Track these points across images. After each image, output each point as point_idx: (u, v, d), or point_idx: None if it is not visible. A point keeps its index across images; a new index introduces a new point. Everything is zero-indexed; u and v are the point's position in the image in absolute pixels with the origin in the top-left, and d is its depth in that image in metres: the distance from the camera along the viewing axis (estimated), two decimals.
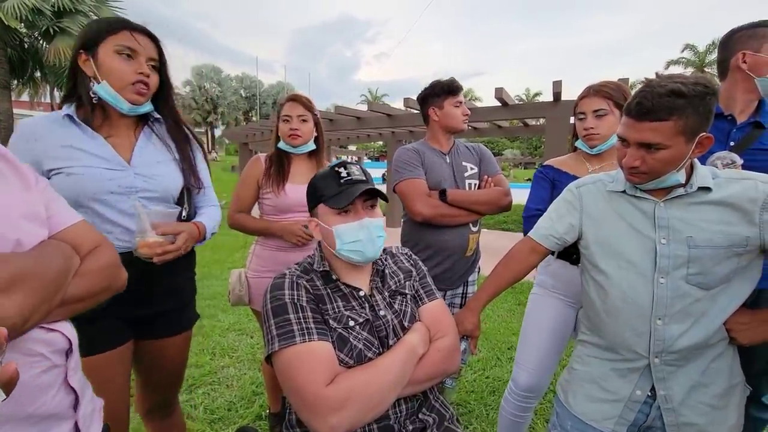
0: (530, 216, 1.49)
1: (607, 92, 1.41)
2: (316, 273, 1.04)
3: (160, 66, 1.18)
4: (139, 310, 1.17)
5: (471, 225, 1.76)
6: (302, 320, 0.92)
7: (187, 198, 1.27)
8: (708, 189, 0.94)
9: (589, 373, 1.10)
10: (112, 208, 1.09)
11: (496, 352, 2.88)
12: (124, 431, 1.21)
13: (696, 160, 0.98)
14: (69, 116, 1.07)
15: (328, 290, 1.02)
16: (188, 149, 1.29)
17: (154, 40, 1.15)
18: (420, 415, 1.03)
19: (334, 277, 1.03)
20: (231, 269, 1.86)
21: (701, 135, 0.89)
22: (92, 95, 1.08)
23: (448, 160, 1.81)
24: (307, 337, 0.89)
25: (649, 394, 1.01)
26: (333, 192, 1.00)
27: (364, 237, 1.00)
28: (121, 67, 1.08)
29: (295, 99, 1.72)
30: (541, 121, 7.34)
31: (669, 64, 34.21)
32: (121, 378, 1.16)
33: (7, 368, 0.43)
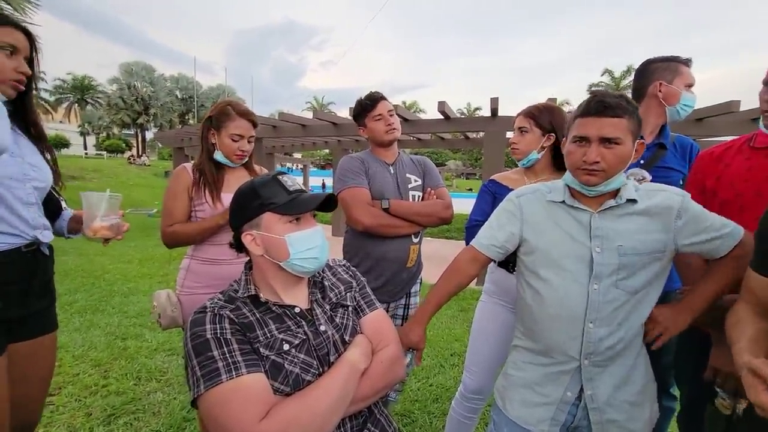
0: (472, 227, 1.54)
1: (532, 113, 1.54)
2: (241, 300, 0.97)
3: (30, 61, 1.18)
4: (20, 309, 1.16)
5: (412, 236, 1.78)
6: (228, 355, 0.85)
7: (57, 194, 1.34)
8: (634, 201, 1.03)
9: (524, 378, 1.14)
10: (10, 194, 1.10)
11: (440, 360, 2.93)
12: None
13: (623, 176, 1.07)
14: None
15: (257, 315, 0.95)
16: (49, 146, 1.31)
17: (28, 35, 1.16)
18: (365, 431, 1.00)
19: (263, 299, 0.97)
20: (162, 284, 1.71)
21: (638, 140, 1.02)
22: None
23: (392, 171, 1.82)
24: (234, 373, 0.83)
25: (577, 395, 1.07)
26: (284, 200, 0.96)
27: (319, 244, 0.99)
28: (2, 62, 1.08)
29: (249, 117, 1.61)
30: (481, 134, 7.73)
31: (590, 86, 37.93)
32: (4, 389, 1.08)
33: None
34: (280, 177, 1.01)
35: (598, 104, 0.99)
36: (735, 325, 0.88)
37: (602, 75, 37.63)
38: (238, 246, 1.03)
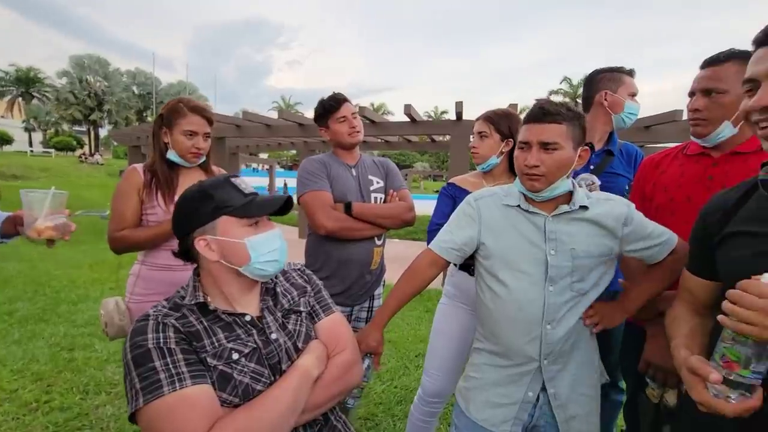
0: (433, 230, 1.56)
1: (491, 117, 1.58)
2: (188, 307, 0.92)
3: None
4: None
5: (375, 239, 1.78)
6: (171, 365, 0.81)
7: None
8: (586, 207, 1.07)
9: (486, 380, 1.16)
10: None
11: (405, 361, 2.95)
12: None
13: (575, 183, 1.12)
14: None
15: (205, 323, 0.91)
16: None
17: None
18: None
19: (211, 307, 0.93)
20: (115, 290, 1.61)
21: (581, 147, 1.06)
22: None
23: (354, 173, 1.81)
24: (177, 385, 0.79)
25: (537, 395, 1.10)
26: (240, 202, 0.93)
27: (279, 246, 0.98)
28: None
29: (202, 113, 1.54)
30: (447, 137, 7.88)
31: (550, 93, 39.60)
32: None
33: None
34: (233, 179, 0.97)
35: (539, 111, 1.04)
36: (673, 322, 0.94)
37: (561, 82, 39.50)
38: (185, 254, 0.98)
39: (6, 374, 2.46)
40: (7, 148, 33.71)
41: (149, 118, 40.54)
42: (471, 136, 1.64)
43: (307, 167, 1.74)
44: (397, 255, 3.08)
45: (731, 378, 0.65)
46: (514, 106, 5.10)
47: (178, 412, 0.77)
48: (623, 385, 1.64)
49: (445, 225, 1.23)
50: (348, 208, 1.69)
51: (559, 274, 1.05)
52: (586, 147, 1.08)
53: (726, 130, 1.12)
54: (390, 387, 2.57)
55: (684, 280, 0.95)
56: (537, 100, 1.08)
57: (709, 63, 1.13)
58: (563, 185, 1.06)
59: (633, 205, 1.09)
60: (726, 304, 0.66)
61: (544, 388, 1.10)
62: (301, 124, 6.55)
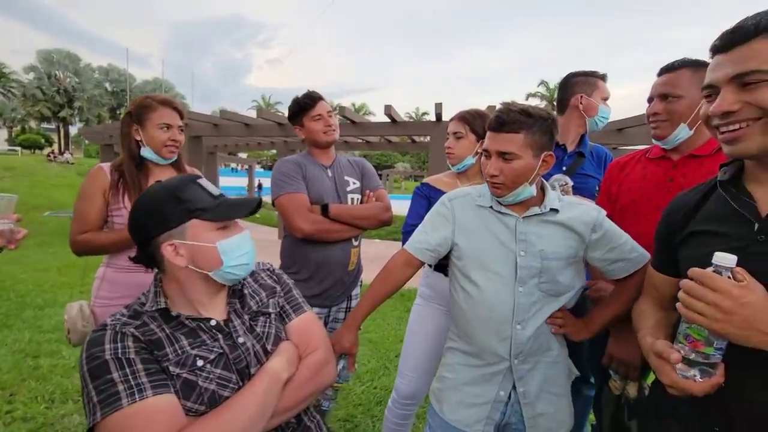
0: (407, 231, 1.56)
1: (466, 117, 1.57)
2: (149, 314, 0.89)
3: None
4: None
5: (353, 239, 1.77)
6: (130, 377, 0.78)
7: None
8: (556, 210, 1.09)
9: (459, 379, 1.17)
10: None
11: (384, 362, 2.95)
12: None
13: (548, 186, 1.14)
14: None
15: (167, 330, 0.88)
16: None
17: None
18: None
19: (173, 313, 0.90)
20: (85, 294, 1.54)
21: (545, 153, 1.05)
22: None
23: (330, 174, 1.79)
24: (137, 396, 0.76)
25: (508, 393, 1.12)
26: (210, 205, 0.90)
27: (250, 249, 0.96)
28: None
29: (172, 105, 1.52)
30: (427, 138, 7.94)
31: (528, 96, 40.43)
32: None
33: None
34: (199, 180, 0.95)
35: (496, 120, 1.05)
36: (639, 316, 0.98)
37: (539, 85, 40.30)
38: (147, 260, 0.93)
39: None
40: None
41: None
42: (447, 137, 1.63)
43: (282, 169, 1.71)
44: (377, 255, 3.08)
45: (696, 357, 0.68)
46: (492, 108, 5.17)
47: (138, 423, 0.74)
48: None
49: (419, 225, 1.24)
50: (325, 210, 1.67)
51: (528, 274, 1.07)
52: (551, 153, 1.07)
53: (682, 132, 1.18)
54: (370, 388, 2.57)
55: (649, 277, 0.99)
56: (503, 103, 1.08)
57: (665, 70, 1.19)
58: (526, 191, 1.07)
59: (604, 213, 1.12)
60: (680, 294, 0.68)
61: (515, 387, 1.11)
62: (280, 124, 6.48)
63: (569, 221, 1.08)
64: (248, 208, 0.95)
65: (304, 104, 1.75)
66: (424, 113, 49.98)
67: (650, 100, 1.24)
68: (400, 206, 3.29)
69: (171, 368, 0.83)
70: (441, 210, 1.20)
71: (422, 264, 1.21)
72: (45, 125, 42.09)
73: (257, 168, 17.80)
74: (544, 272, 1.07)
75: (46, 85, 38.14)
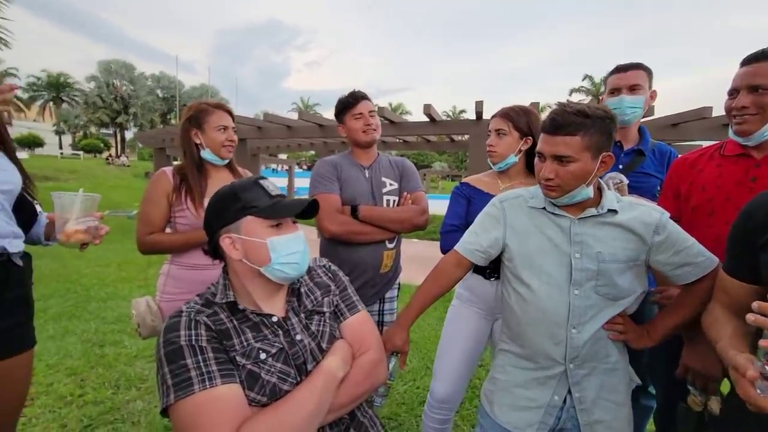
0: (446, 231, 1.54)
1: (510, 114, 1.52)
2: (219, 305, 0.94)
3: None
4: None
5: (387, 242, 1.75)
6: (202, 364, 0.83)
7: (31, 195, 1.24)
8: (615, 211, 1.05)
9: (511, 382, 1.15)
10: None
11: (426, 362, 2.94)
12: None
13: (605, 186, 1.10)
14: None
15: (235, 322, 0.93)
16: (12, 145, 1.19)
17: None
18: None
19: (240, 306, 0.95)
20: (143, 288, 1.65)
21: (604, 154, 1.01)
22: None
23: (367, 175, 1.79)
24: (208, 383, 0.80)
25: (563, 398, 1.09)
26: (265, 203, 0.95)
27: (301, 249, 0.98)
28: None
29: (225, 109, 1.62)
30: (466, 137, 7.81)
31: (571, 91, 38.77)
32: None
33: None
34: (261, 181, 1.00)
35: (551, 122, 1.01)
36: (712, 325, 0.91)
37: (583, 80, 38.52)
38: (214, 251, 1.00)
39: (42, 368, 2.57)
40: (39, 150, 35.15)
41: (173, 121, 41.64)
42: (488, 134, 1.58)
43: (319, 170, 1.75)
44: (416, 255, 3.07)
45: None
46: (535, 104, 5.02)
47: (207, 410, 0.78)
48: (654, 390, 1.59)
49: (471, 227, 1.23)
50: (354, 212, 1.68)
51: (583, 277, 1.03)
52: (609, 154, 1.02)
53: None
54: (412, 387, 2.57)
55: (720, 281, 0.93)
56: (558, 104, 1.04)
57: (753, 59, 1.10)
58: (582, 193, 1.04)
59: (667, 215, 1.05)
60: (752, 317, 0.66)
61: (570, 392, 1.08)
62: (320, 125, 6.61)
63: (628, 222, 1.04)
64: (299, 207, 0.98)
65: (347, 102, 1.77)
66: (461, 111, 49.26)
67: (732, 92, 1.14)
68: (437, 206, 3.26)
69: (238, 359, 0.88)
70: (492, 212, 1.19)
71: (472, 265, 1.20)
72: (104, 130, 45.36)
73: (296, 169, 18.28)
74: (601, 275, 1.03)
75: (105, 93, 41.11)
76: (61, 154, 34.64)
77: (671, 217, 1.06)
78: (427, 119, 5.83)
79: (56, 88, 42.34)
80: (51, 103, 43.09)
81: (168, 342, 0.85)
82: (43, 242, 1.28)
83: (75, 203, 1.15)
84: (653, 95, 1.55)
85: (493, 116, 1.56)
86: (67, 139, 45.02)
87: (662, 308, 1.21)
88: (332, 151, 9.06)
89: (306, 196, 1.05)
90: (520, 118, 1.51)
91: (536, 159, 1.08)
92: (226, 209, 0.96)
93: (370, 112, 1.77)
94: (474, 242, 1.18)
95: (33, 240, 1.29)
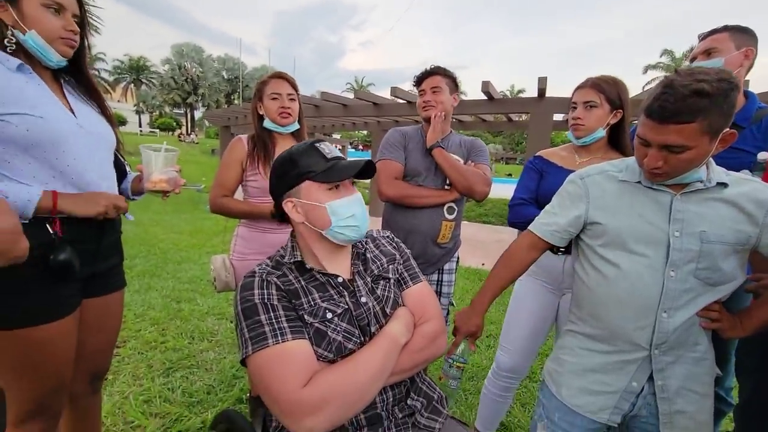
0: (515, 204, 1.50)
1: (601, 85, 1.41)
2: (287, 266, 0.99)
3: (81, 23, 1.14)
4: (94, 266, 1.18)
5: (446, 212, 1.75)
6: (274, 320, 0.88)
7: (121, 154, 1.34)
8: (724, 185, 0.93)
9: (582, 365, 1.09)
10: (65, 156, 1.05)
11: (493, 339, 2.95)
12: (61, 406, 1.17)
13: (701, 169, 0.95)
14: (21, 65, 1.00)
15: (302, 282, 0.97)
16: (106, 107, 1.28)
17: None
18: (408, 401, 1.02)
19: (308, 266, 0.99)
20: (211, 254, 1.81)
21: (724, 132, 0.86)
22: (8, 44, 1.01)
23: None
24: (280, 338, 0.86)
25: (642, 385, 1.02)
26: (322, 167, 0.96)
27: (359, 212, 0.99)
28: (50, 21, 1.05)
29: (282, 77, 1.70)
30: (524, 117, 7.43)
31: (647, 68, 35.13)
32: (73, 347, 1.14)
33: None
34: (317, 144, 1.00)
35: (660, 109, 0.84)
36: None
37: (661, 56, 34.66)
38: (280, 215, 1.04)
39: (131, 317, 2.93)
40: (122, 129, 38.71)
41: (236, 101, 43.77)
42: (555, 115, 1.49)
43: (389, 137, 1.80)
44: (468, 237, 3.04)
45: None
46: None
47: (280, 363, 0.85)
48: (730, 383, 1.49)
49: (547, 206, 1.17)
50: (431, 149, 1.69)
51: (682, 258, 0.93)
52: (732, 131, 0.87)
53: None
54: (479, 360, 2.60)
55: None
56: (667, 78, 0.86)
57: None
58: (694, 176, 0.92)
59: None
60: None
61: (651, 378, 1.01)
62: (375, 104, 6.63)
63: (738, 199, 0.92)
64: (355, 169, 0.97)
65: (419, 77, 1.78)
66: (520, 91, 46.79)
67: None
68: (492, 189, 3.17)
69: (306, 317, 0.93)
70: (571, 189, 1.10)
71: (548, 246, 1.13)
72: (176, 110, 49.00)
73: (349, 149, 18.57)
74: (703, 257, 0.92)
75: (177, 75, 44.16)
76: (141, 131, 38.02)
77: None
78: (485, 97, 5.63)
79: (136, 71, 46.23)
80: (132, 85, 47.17)
81: (244, 299, 0.92)
82: (130, 197, 1.40)
83: (159, 156, 1.26)
84: (748, 54, 1.35)
85: (579, 87, 1.47)
86: (145, 118, 49.26)
87: (757, 297, 1.10)
88: (385, 131, 9.05)
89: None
90: (611, 90, 1.40)
91: (636, 141, 0.94)
92: (286, 174, 0.99)
93: (432, 88, 1.74)
94: (552, 223, 1.10)
95: (121, 194, 1.41)
